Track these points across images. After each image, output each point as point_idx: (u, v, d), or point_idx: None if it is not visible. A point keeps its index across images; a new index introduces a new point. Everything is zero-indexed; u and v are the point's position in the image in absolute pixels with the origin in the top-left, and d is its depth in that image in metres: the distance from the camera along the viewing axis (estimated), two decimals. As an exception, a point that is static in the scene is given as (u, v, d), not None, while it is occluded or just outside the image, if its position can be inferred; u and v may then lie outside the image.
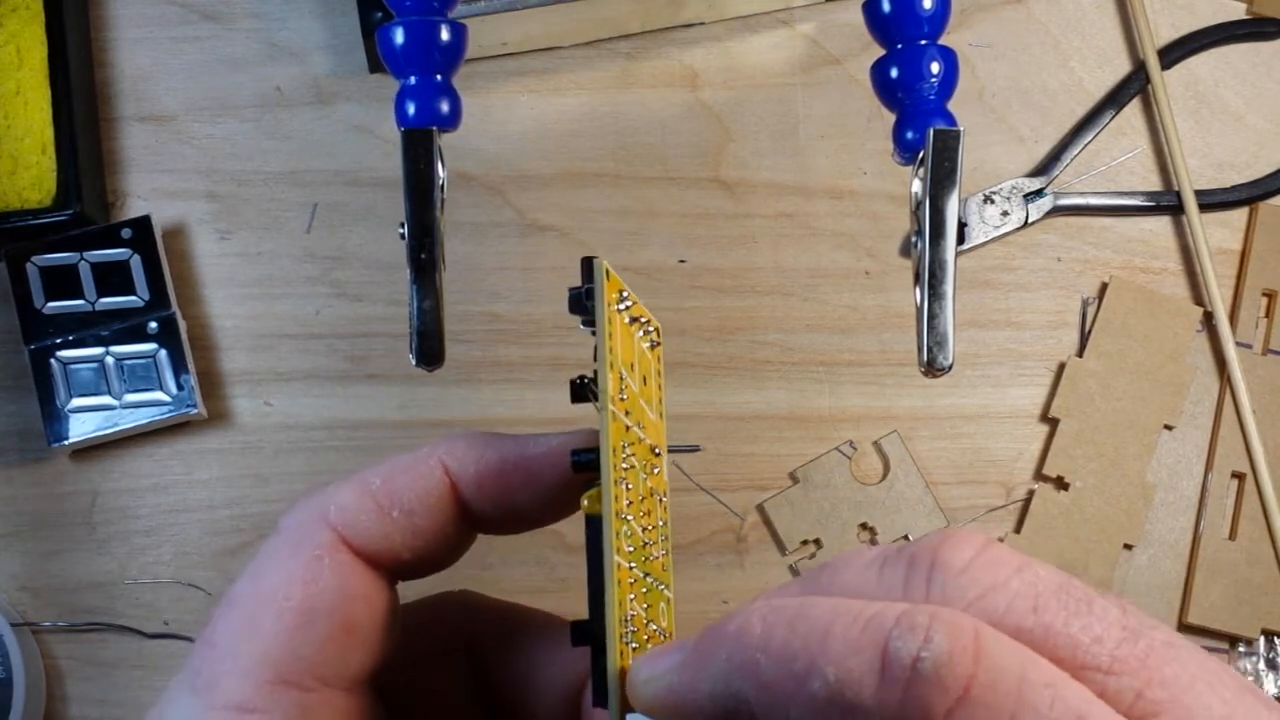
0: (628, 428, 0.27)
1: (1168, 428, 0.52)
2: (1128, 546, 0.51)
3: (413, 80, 0.40)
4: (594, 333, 0.27)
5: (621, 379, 0.27)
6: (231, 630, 0.27)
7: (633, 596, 0.27)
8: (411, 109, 0.40)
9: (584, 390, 0.28)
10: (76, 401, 0.48)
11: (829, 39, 0.54)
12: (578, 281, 0.28)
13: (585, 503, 0.27)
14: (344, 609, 0.27)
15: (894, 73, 0.40)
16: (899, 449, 0.51)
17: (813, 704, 0.21)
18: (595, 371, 0.27)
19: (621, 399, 0.27)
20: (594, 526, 0.26)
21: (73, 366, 0.48)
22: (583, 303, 0.28)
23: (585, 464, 0.27)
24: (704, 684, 0.23)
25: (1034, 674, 0.20)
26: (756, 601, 0.23)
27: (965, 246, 0.52)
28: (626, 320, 0.28)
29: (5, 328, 0.49)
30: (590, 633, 0.26)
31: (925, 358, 0.39)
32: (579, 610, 0.27)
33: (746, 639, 0.22)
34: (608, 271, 0.27)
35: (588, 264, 0.28)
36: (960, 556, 0.22)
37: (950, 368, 0.39)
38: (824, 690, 0.21)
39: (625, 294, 0.28)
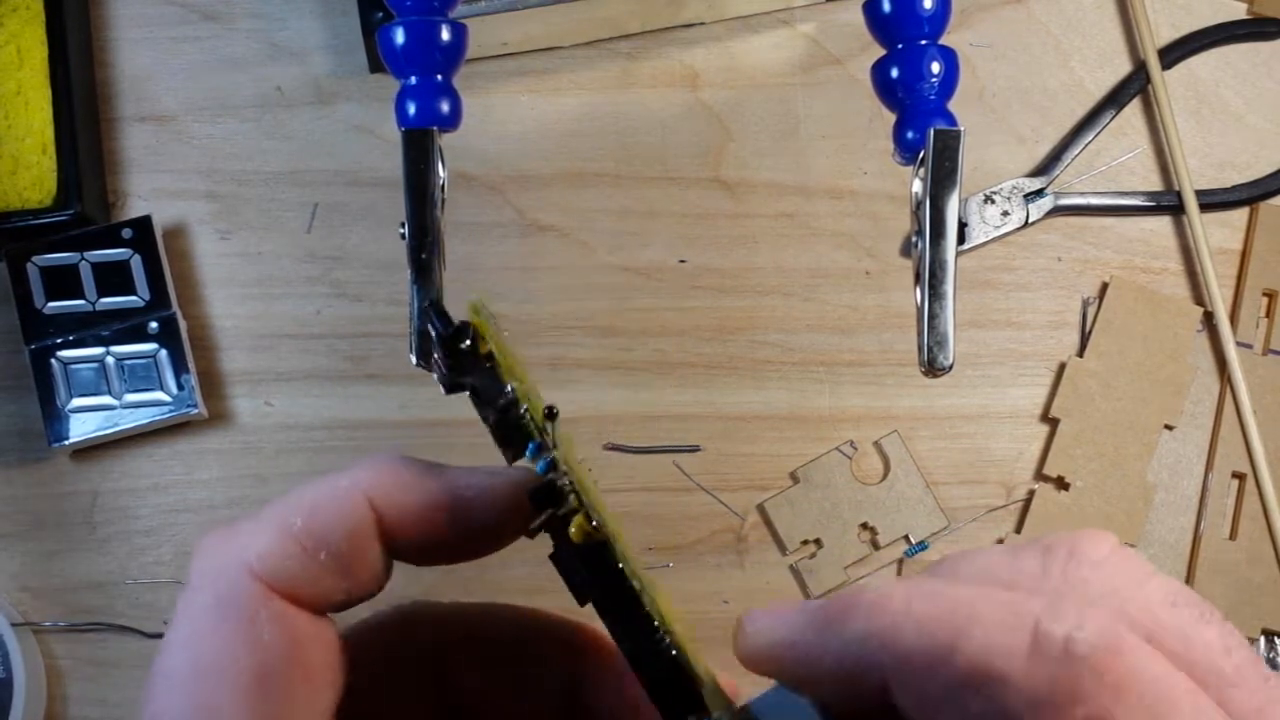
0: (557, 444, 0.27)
1: (1168, 428, 0.52)
2: (1128, 546, 0.51)
3: (413, 80, 0.40)
4: (445, 386, 0.26)
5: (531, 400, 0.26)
6: (185, 715, 0.24)
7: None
8: (412, 109, 0.40)
9: (529, 433, 0.26)
10: (76, 401, 0.48)
11: (829, 39, 0.54)
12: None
13: (573, 530, 0.25)
14: (298, 658, 0.25)
15: (894, 73, 0.40)
16: (899, 449, 0.51)
17: (954, 677, 0.21)
18: (499, 415, 0.26)
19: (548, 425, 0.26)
20: (594, 554, 0.25)
21: (73, 366, 0.48)
22: (433, 356, 0.26)
23: (550, 497, 0.26)
24: (833, 644, 0.23)
25: (1177, 678, 0.20)
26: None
27: (965, 246, 0.52)
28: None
29: (5, 328, 0.49)
30: (653, 660, 0.24)
31: (925, 358, 0.39)
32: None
33: (888, 606, 0.22)
34: (477, 309, 0.26)
35: (438, 310, 0.26)
36: (1098, 550, 0.22)
37: (950, 368, 0.39)
38: (967, 664, 0.21)
39: (492, 321, 0.27)
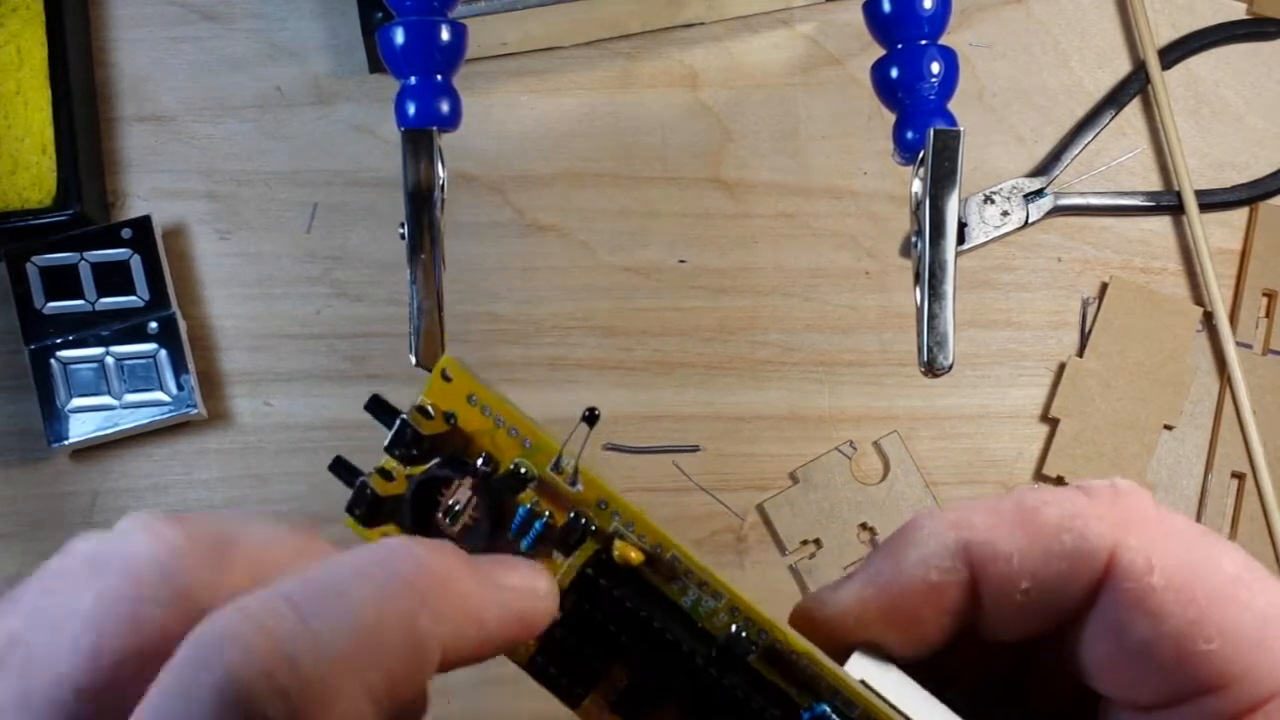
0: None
1: (1168, 428, 0.52)
2: (1128, 546, 0.51)
3: (413, 80, 0.40)
4: (363, 518, 0.25)
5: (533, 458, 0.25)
6: None
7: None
8: (412, 109, 0.40)
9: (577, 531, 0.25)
10: (76, 401, 0.48)
11: (829, 39, 0.54)
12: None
13: (616, 553, 0.24)
14: None
15: (894, 73, 0.40)
16: (899, 449, 0.51)
17: (1037, 525, 0.23)
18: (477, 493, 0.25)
19: (559, 467, 0.25)
20: (635, 576, 0.25)
21: (73, 366, 0.48)
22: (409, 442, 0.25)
23: (585, 533, 0.25)
24: (912, 556, 0.24)
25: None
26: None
27: (965, 246, 0.52)
28: (481, 409, 0.25)
29: (5, 328, 0.49)
30: (732, 652, 0.24)
31: (925, 358, 0.39)
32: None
33: (943, 512, 0.24)
34: (447, 371, 0.25)
35: (382, 405, 0.25)
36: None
37: (950, 368, 0.39)
38: (1044, 511, 0.23)
39: (473, 397, 0.25)
